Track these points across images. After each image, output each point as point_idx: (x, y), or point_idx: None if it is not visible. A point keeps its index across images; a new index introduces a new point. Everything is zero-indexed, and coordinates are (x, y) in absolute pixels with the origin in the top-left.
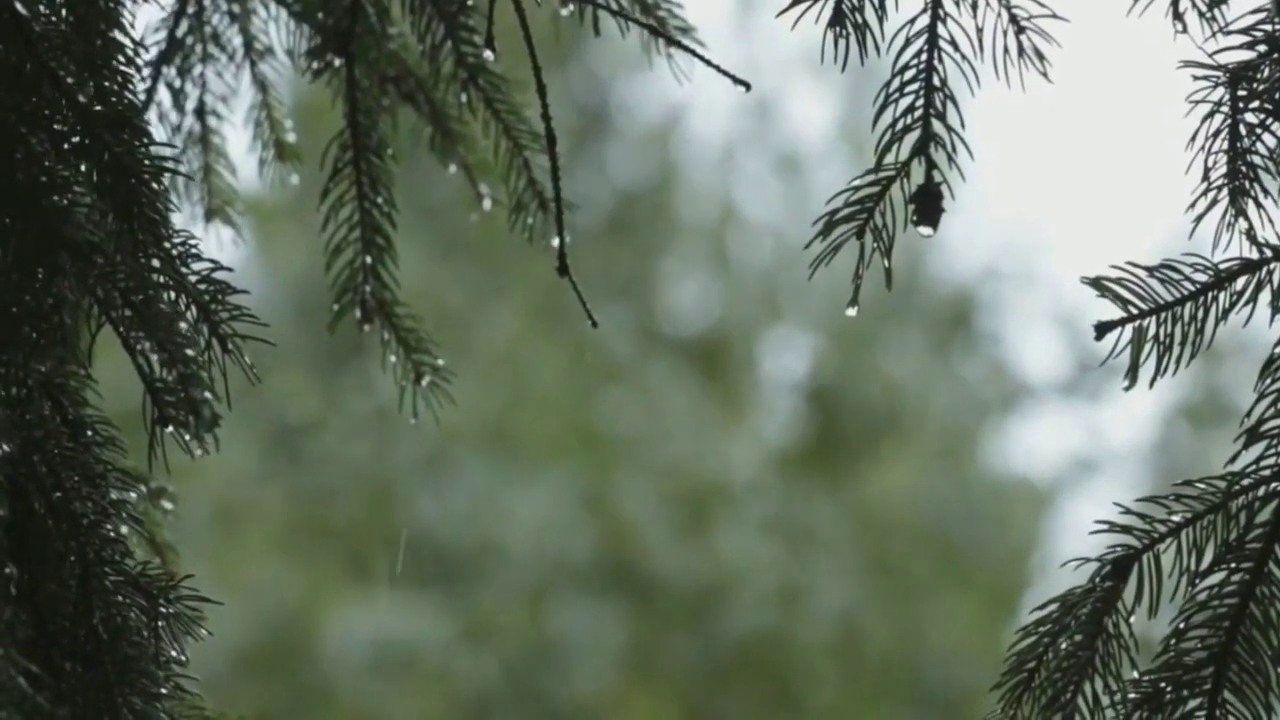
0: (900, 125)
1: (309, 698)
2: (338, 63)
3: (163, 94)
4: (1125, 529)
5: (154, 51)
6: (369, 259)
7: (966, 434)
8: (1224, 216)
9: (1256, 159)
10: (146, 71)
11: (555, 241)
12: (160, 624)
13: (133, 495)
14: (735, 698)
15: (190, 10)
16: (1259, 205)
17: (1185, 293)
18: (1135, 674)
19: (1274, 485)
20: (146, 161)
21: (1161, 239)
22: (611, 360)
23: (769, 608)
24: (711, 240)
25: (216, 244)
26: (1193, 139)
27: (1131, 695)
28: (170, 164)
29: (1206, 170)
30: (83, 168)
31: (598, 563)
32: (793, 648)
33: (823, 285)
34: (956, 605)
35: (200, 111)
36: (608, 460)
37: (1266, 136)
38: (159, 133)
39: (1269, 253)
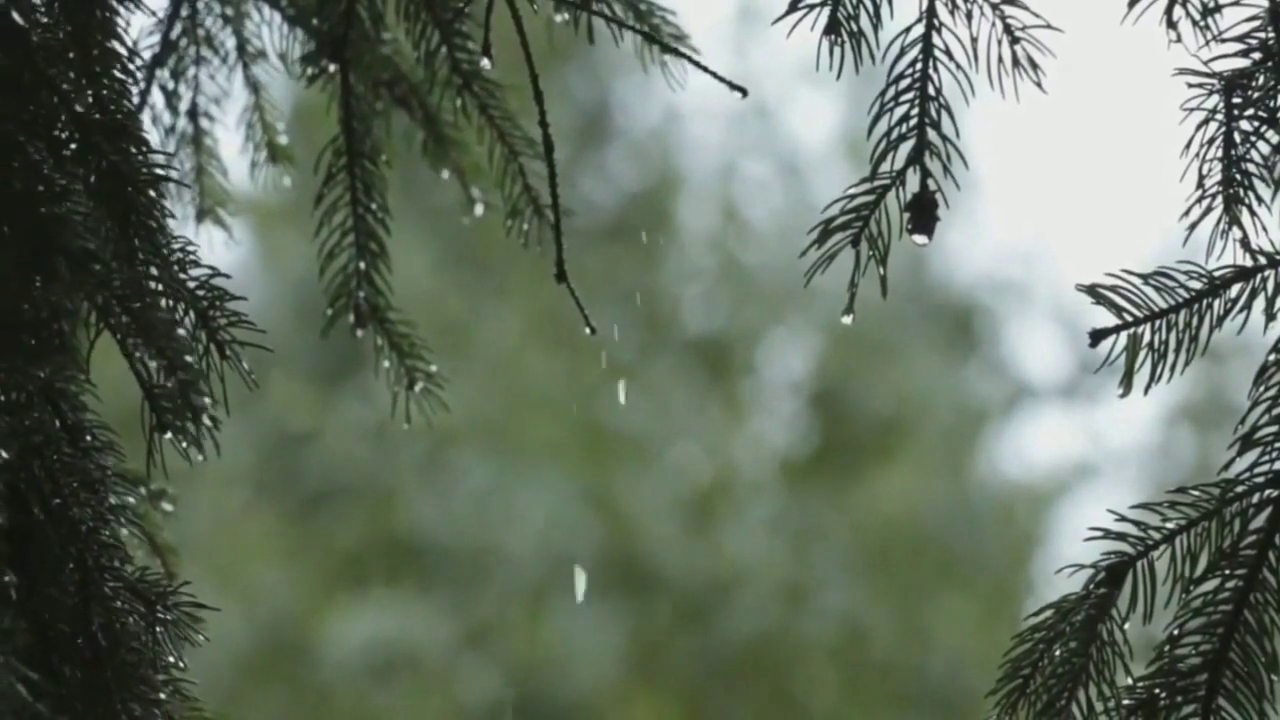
0: (895, 134)
1: (309, 701)
2: (332, 68)
3: (156, 96)
4: (1120, 536)
5: (148, 54)
6: (363, 265)
7: (969, 436)
8: (1218, 224)
9: (1251, 166)
10: (140, 74)
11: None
12: (159, 630)
13: (132, 499)
14: (738, 698)
15: (184, 13)
16: (1253, 213)
17: (1180, 300)
18: (1130, 680)
19: (1268, 492)
20: (143, 170)
21: (1156, 246)
22: (615, 361)
23: (772, 609)
24: (716, 242)
25: (208, 245)
26: (1187, 146)
27: (1126, 702)
28: (167, 172)
29: (1201, 178)
30: (80, 175)
31: (600, 563)
32: (795, 649)
33: (827, 288)
34: (959, 608)
35: (193, 113)
36: (611, 460)
37: (1261, 144)
38: (152, 134)
39: (1263, 260)
